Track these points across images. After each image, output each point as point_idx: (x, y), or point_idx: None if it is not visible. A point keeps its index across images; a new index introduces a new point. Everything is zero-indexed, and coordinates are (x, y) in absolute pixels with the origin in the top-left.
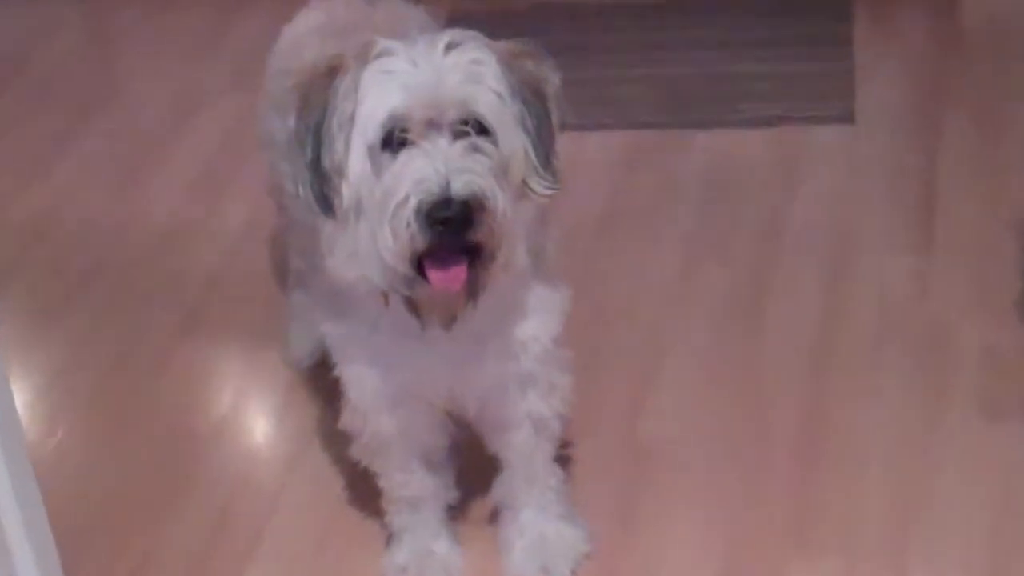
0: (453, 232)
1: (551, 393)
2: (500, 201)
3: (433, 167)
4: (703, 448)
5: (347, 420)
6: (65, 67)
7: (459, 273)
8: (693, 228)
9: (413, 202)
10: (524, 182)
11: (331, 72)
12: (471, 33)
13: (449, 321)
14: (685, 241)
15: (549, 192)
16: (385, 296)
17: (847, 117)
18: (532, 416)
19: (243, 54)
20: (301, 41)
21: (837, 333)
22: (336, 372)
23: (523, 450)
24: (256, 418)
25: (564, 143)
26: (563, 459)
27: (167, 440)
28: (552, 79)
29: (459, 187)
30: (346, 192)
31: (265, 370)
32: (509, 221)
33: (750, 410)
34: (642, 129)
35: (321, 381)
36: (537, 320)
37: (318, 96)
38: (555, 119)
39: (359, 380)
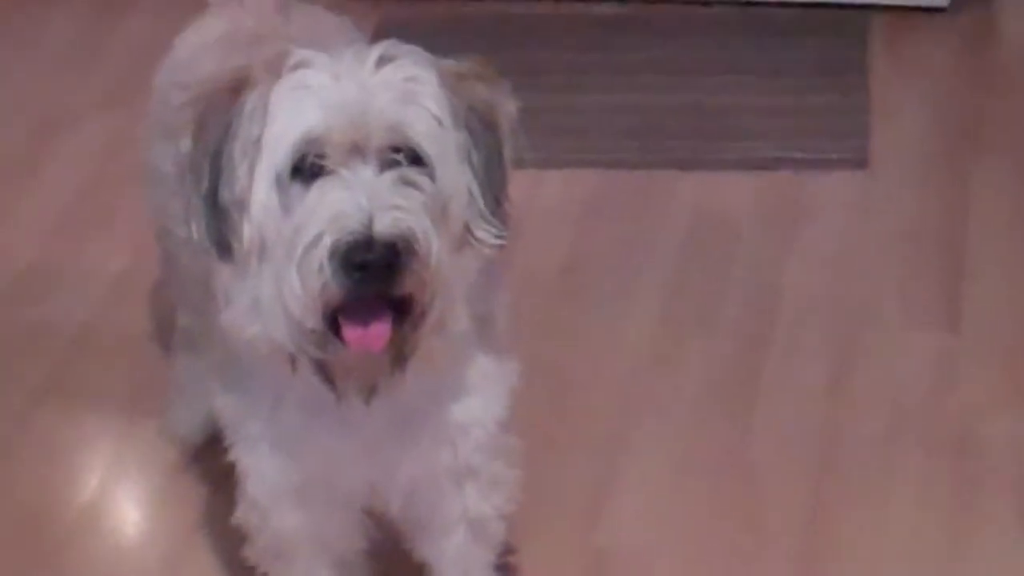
0: (375, 281)
1: (493, 489)
2: (435, 245)
3: (354, 200)
4: (675, 561)
5: (242, 515)
6: None
7: (381, 331)
8: (670, 291)
9: (327, 242)
10: (467, 228)
11: (236, 87)
12: (409, 47)
13: (369, 392)
14: (661, 306)
15: (497, 243)
16: (292, 359)
17: (859, 161)
18: (469, 516)
19: (121, 66)
20: (198, 56)
21: (843, 424)
22: (230, 455)
23: (457, 558)
24: (129, 506)
25: (518, 183)
26: (505, 569)
27: (19, 531)
28: (506, 106)
29: (384, 225)
30: (247, 231)
31: (142, 447)
32: (446, 271)
33: (734, 517)
34: (612, 168)
35: (210, 463)
36: (479, 400)
37: (219, 116)
38: (508, 154)
39: (258, 467)
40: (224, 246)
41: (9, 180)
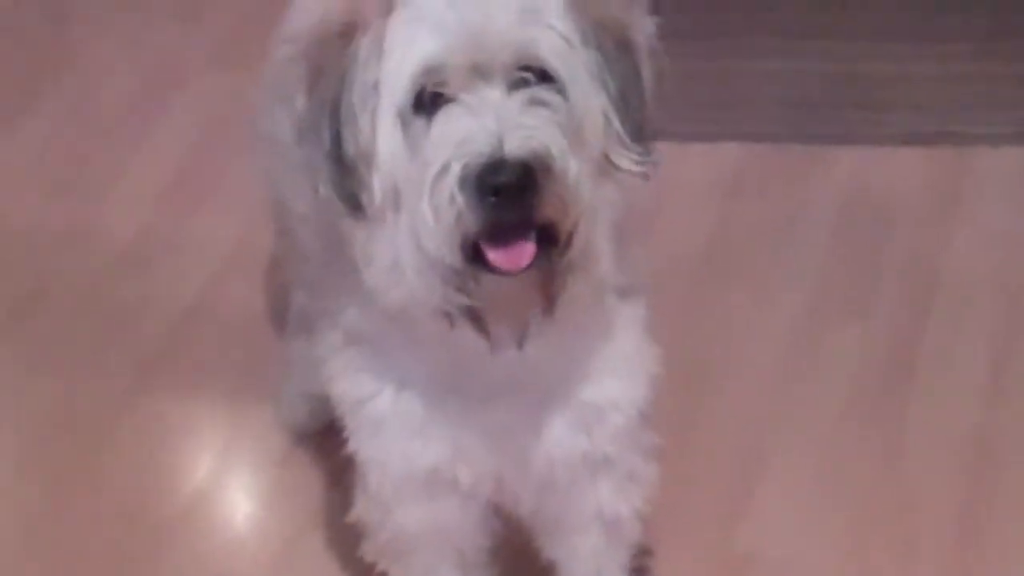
0: (512, 205)
1: (630, 485)
2: (572, 165)
3: (480, 124)
4: (823, 566)
5: (362, 511)
6: (5, 33)
7: (525, 249)
8: (821, 276)
9: (456, 169)
10: (606, 156)
11: (346, 32)
12: None
13: (522, 333)
14: (810, 292)
15: (640, 171)
16: (446, 315)
17: None
18: (603, 514)
19: (234, 20)
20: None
21: (1005, 419)
22: (349, 445)
23: (589, 558)
24: (238, 499)
25: (659, 162)
26: (640, 571)
27: (118, 524)
28: (643, 25)
29: (515, 146)
30: (377, 182)
31: (252, 435)
32: (587, 195)
33: (884, 522)
34: (759, 142)
35: (326, 452)
36: (618, 382)
37: (332, 64)
38: (647, 76)
39: (381, 456)
40: (355, 204)
41: (113, 143)
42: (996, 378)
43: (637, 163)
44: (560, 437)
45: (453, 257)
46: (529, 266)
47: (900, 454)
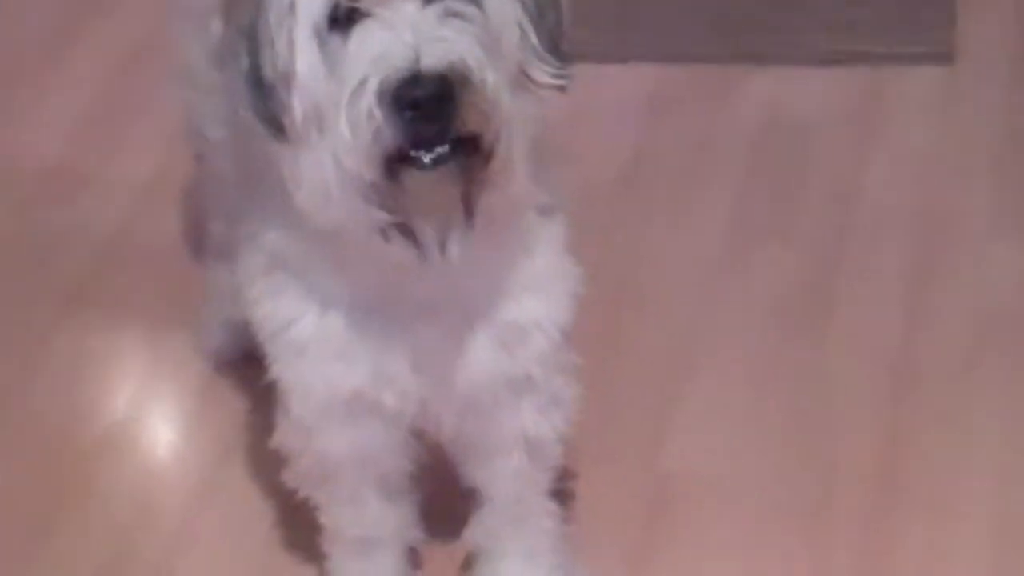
0: (431, 119)
1: (552, 407)
2: (490, 76)
3: (396, 38)
4: (745, 485)
5: (283, 437)
6: None
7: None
8: (740, 196)
9: (373, 84)
10: (522, 69)
11: None
12: None
13: (444, 238)
14: (729, 213)
15: (555, 83)
16: (379, 230)
17: (944, 56)
18: (527, 436)
19: None
20: None
21: (923, 341)
22: (271, 371)
23: (511, 481)
24: (160, 425)
25: (575, 78)
26: (562, 494)
27: (41, 452)
28: None
29: (432, 59)
30: (298, 103)
31: (173, 362)
32: (506, 107)
33: (808, 438)
34: (679, 63)
35: (246, 378)
36: (541, 302)
37: None
38: None
39: (304, 380)
40: (277, 126)
41: (32, 70)
42: (915, 295)
43: (553, 76)
44: (483, 358)
45: (373, 173)
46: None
47: (822, 372)
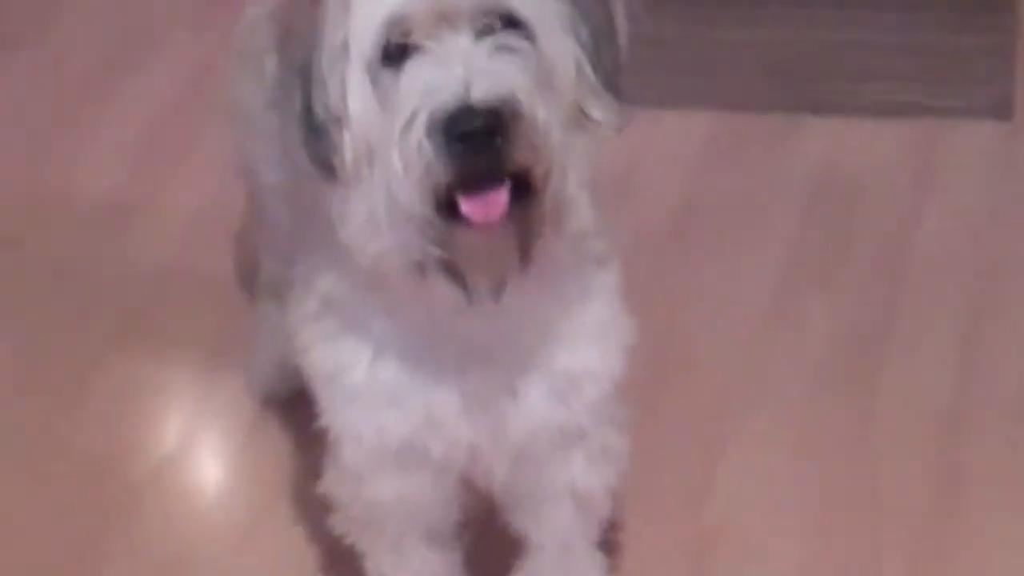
0: (481, 152)
1: (602, 459)
2: (541, 110)
3: (447, 71)
4: (791, 540)
5: (331, 483)
6: None
7: (498, 198)
8: (792, 246)
9: (423, 117)
10: (579, 107)
11: None
12: None
13: (498, 285)
14: (781, 264)
15: (614, 121)
16: (420, 267)
17: (1003, 110)
18: (576, 487)
19: None
20: None
21: (974, 397)
22: (322, 418)
23: (559, 532)
24: (207, 463)
25: (632, 120)
26: (609, 546)
27: (88, 486)
28: None
29: (482, 91)
30: (349, 142)
31: (222, 399)
32: (559, 142)
33: (856, 493)
34: (732, 111)
35: (295, 418)
36: (594, 351)
37: (301, 27)
38: (620, 25)
39: (355, 428)
40: (328, 167)
41: (85, 102)
42: (966, 353)
43: (611, 114)
44: (536, 407)
45: (425, 208)
46: (503, 218)
47: (870, 429)
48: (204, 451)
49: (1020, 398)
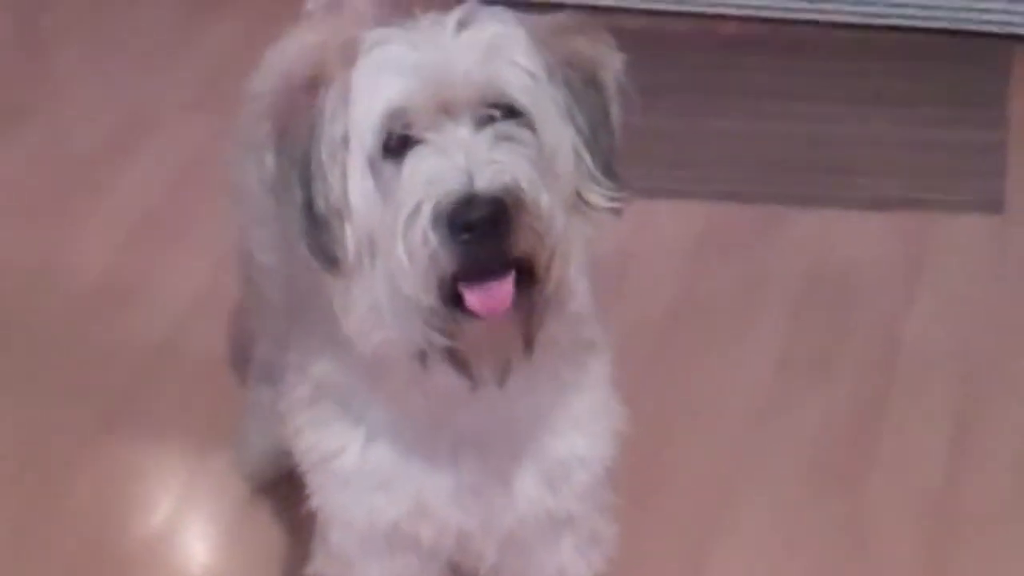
0: (486, 241)
1: (591, 545)
2: (544, 198)
3: (450, 161)
4: None
5: (321, 566)
6: None
7: (504, 290)
8: (785, 338)
9: (427, 209)
10: (577, 193)
11: (311, 86)
12: (492, 8)
13: (503, 372)
14: (774, 355)
15: (612, 206)
16: (422, 355)
17: (994, 204)
18: (564, 573)
19: (210, 70)
20: None
21: (965, 488)
22: (312, 501)
23: None
24: (196, 543)
25: (624, 215)
26: None
27: (78, 563)
28: (610, 61)
29: (486, 180)
30: (351, 234)
31: (212, 480)
32: (561, 228)
33: None
34: (727, 201)
35: (284, 501)
36: (585, 437)
37: (299, 121)
38: (615, 113)
39: (345, 512)
40: (329, 258)
41: (85, 184)
42: (957, 446)
43: (608, 199)
44: (527, 493)
45: (430, 298)
46: (508, 309)
47: (860, 521)
48: (193, 532)
49: (1012, 489)
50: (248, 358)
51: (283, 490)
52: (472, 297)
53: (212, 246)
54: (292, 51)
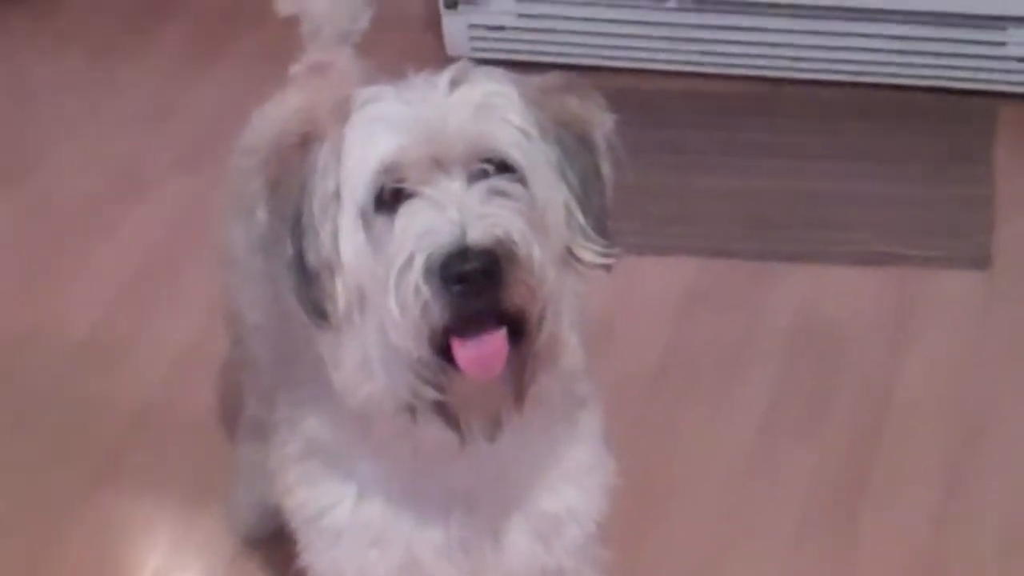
0: (478, 294)
1: None
2: (536, 251)
3: (442, 215)
4: None
5: None
6: None
7: (497, 347)
8: (773, 394)
9: (419, 261)
10: (568, 249)
11: (304, 142)
12: (485, 67)
13: (493, 426)
14: (762, 411)
15: (603, 262)
16: (411, 409)
17: (981, 260)
18: None
19: (197, 129)
20: None
21: (954, 548)
22: (303, 558)
23: None
24: None
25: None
26: None
27: None
28: (601, 120)
29: (478, 233)
30: (342, 288)
31: (201, 537)
32: (553, 282)
33: None
34: (715, 257)
35: (274, 557)
36: (576, 492)
37: (291, 176)
38: (606, 171)
39: (336, 570)
40: (320, 313)
41: (73, 241)
42: (946, 499)
43: (599, 255)
44: (518, 550)
45: (422, 351)
46: (503, 369)
47: (850, 574)
48: None
49: (1001, 546)
50: (237, 415)
51: (273, 547)
52: (464, 355)
53: (200, 304)
54: (280, 111)
